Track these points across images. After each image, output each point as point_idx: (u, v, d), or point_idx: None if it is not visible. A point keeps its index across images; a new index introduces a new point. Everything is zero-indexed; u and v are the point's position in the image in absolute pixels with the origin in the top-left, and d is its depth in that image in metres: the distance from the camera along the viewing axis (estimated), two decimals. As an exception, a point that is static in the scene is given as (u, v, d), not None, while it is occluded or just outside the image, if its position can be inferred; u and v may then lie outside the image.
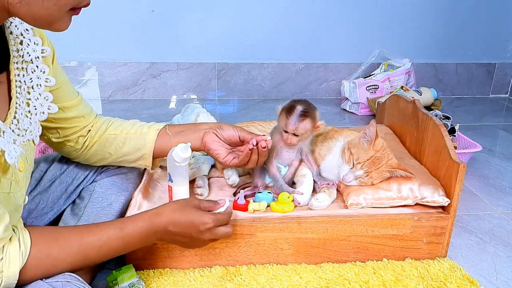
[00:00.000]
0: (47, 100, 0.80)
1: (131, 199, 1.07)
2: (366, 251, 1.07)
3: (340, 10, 2.38)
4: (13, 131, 0.71)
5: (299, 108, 1.05)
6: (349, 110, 2.30)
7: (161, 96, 2.41)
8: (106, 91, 2.36)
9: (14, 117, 0.72)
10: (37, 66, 0.78)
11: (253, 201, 1.07)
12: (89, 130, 1.00)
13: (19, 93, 0.74)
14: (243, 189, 1.13)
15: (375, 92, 2.25)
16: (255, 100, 2.45)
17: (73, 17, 0.65)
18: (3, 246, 0.69)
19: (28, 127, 0.76)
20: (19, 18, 0.63)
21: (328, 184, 1.13)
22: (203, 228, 0.86)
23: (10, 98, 0.73)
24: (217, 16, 2.31)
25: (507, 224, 1.29)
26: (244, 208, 1.06)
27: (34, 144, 0.79)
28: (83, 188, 1.07)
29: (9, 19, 0.72)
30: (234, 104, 2.40)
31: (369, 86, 2.25)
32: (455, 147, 1.59)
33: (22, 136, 0.74)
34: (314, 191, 1.13)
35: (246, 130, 1.05)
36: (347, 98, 2.31)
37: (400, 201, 1.08)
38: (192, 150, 1.05)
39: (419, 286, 0.99)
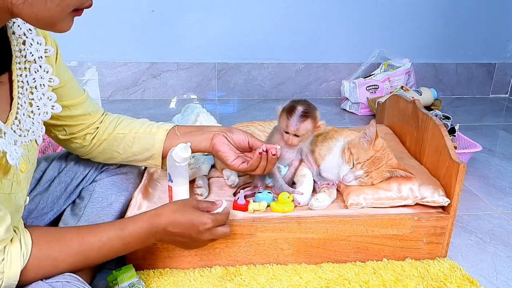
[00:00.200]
0: (50, 100, 0.80)
1: (131, 199, 1.07)
2: (366, 251, 1.07)
3: (340, 10, 2.38)
4: (14, 131, 0.71)
5: (299, 109, 1.05)
6: (349, 110, 2.30)
7: (161, 96, 2.41)
8: (106, 91, 2.36)
9: (16, 118, 0.72)
10: (40, 66, 0.78)
11: (253, 201, 1.07)
12: (97, 128, 1.00)
13: (21, 93, 0.74)
14: (243, 189, 1.13)
15: (375, 92, 2.25)
16: (255, 100, 2.45)
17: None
18: (5, 247, 0.69)
19: (30, 127, 0.76)
20: (22, 19, 0.63)
21: (328, 184, 1.13)
22: (202, 228, 0.86)
23: (12, 99, 0.73)
24: (217, 16, 2.31)
25: (507, 224, 1.29)
26: (244, 208, 1.06)
27: (37, 144, 0.79)
28: (83, 188, 1.07)
29: (11, 19, 0.72)
30: (234, 104, 2.40)
31: (369, 86, 2.25)
32: (455, 147, 1.59)
33: (24, 136, 0.74)
34: (314, 191, 1.13)
35: (256, 137, 1.06)
36: (347, 98, 2.31)
37: (400, 201, 1.08)
38: (200, 151, 1.06)
39: (419, 286, 0.99)
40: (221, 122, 1.57)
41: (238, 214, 1.03)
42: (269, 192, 1.09)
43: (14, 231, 0.72)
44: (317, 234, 1.04)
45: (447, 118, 1.73)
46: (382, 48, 2.39)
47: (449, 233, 1.08)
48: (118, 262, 1.00)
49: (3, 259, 0.69)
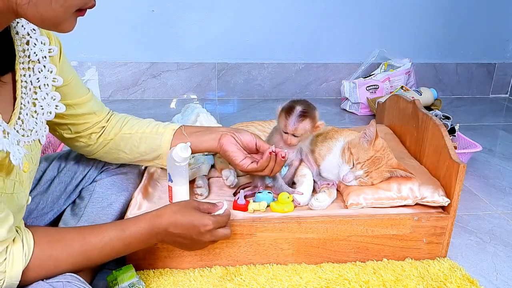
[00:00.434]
0: (54, 99, 0.80)
1: (131, 199, 1.07)
2: (366, 251, 1.07)
3: (340, 10, 2.38)
4: (17, 131, 0.71)
5: (298, 109, 1.05)
6: (349, 110, 2.30)
7: (161, 96, 2.41)
8: (106, 91, 2.36)
9: (19, 118, 0.72)
10: (44, 66, 0.78)
11: (253, 201, 1.07)
12: (103, 127, 1.00)
13: (24, 93, 0.74)
14: (243, 189, 1.13)
15: (375, 92, 2.25)
16: (255, 100, 2.45)
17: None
18: (7, 247, 0.69)
19: (33, 127, 0.76)
20: (26, 19, 0.63)
21: (328, 184, 1.13)
22: (203, 229, 0.86)
23: (15, 99, 0.73)
24: (217, 16, 2.31)
25: (507, 224, 1.29)
26: (244, 208, 1.06)
27: (40, 144, 0.79)
28: (83, 188, 1.07)
29: (15, 19, 0.72)
30: (234, 104, 2.40)
31: (369, 86, 2.25)
32: (455, 147, 1.59)
33: (27, 136, 0.74)
34: (314, 191, 1.13)
35: (262, 140, 1.06)
36: (347, 98, 2.31)
37: (400, 201, 1.08)
38: (207, 151, 1.06)
39: (419, 286, 0.99)
40: (221, 122, 1.57)
41: (238, 214, 1.03)
42: (269, 192, 1.09)
43: (16, 231, 0.72)
44: (317, 234, 1.04)
45: (447, 118, 1.73)
46: (382, 48, 2.39)
47: (449, 233, 1.08)
48: (118, 262, 1.00)
49: (5, 259, 0.69)
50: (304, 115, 1.05)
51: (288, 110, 1.06)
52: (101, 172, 1.08)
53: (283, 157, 1.01)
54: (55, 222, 1.04)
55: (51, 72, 0.79)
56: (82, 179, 1.07)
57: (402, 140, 1.39)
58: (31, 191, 1.01)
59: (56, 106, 0.80)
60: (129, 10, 2.25)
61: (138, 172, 1.15)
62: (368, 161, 1.09)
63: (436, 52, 2.54)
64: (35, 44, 0.76)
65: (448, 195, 1.07)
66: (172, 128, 1.04)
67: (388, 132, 1.46)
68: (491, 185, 1.53)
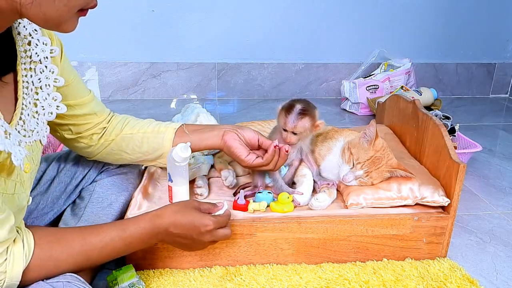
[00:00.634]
0: (55, 100, 0.80)
1: (131, 199, 1.07)
2: (366, 251, 1.07)
3: (340, 10, 2.38)
4: (18, 132, 0.71)
5: (298, 107, 1.06)
6: (349, 110, 2.30)
7: (161, 96, 2.41)
8: (106, 91, 2.36)
9: (20, 118, 0.72)
10: (45, 67, 0.78)
11: (253, 201, 1.07)
12: (104, 128, 1.00)
13: (26, 93, 0.74)
14: (243, 189, 1.13)
15: (375, 92, 2.25)
16: (255, 100, 2.45)
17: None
18: (7, 248, 0.69)
19: (35, 128, 0.76)
20: (29, 19, 0.63)
21: (328, 184, 1.13)
22: (203, 229, 0.86)
23: (16, 99, 0.73)
24: (217, 16, 2.31)
25: (507, 224, 1.29)
26: (244, 208, 1.06)
27: (41, 144, 0.79)
28: (83, 188, 1.07)
29: (17, 20, 0.72)
30: (234, 104, 2.40)
31: (369, 86, 2.25)
32: (455, 147, 1.59)
33: (29, 137, 0.74)
34: (314, 191, 1.13)
35: (264, 136, 1.06)
36: (347, 98, 2.31)
37: (400, 201, 1.08)
38: (211, 148, 1.06)
39: (419, 286, 0.99)
40: (221, 122, 1.57)
41: (238, 214, 1.03)
42: (269, 192, 1.09)
43: (17, 231, 0.72)
44: (317, 234, 1.04)
45: (447, 118, 1.73)
46: (382, 48, 2.39)
47: (449, 233, 1.08)
48: (118, 262, 1.00)
49: (5, 259, 0.68)
50: (303, 113, 1.05)
51: (288, 108, 1.07)
52: (101, 172, 1.08)
53: (286, 151, 1.02)
54: (55, 222, 1.04)
55: (53, 72, 0.79)
56: (82, 179, 1.07)
57: (402, 140, 1.39)
58: (31, 191, 1.01)
59: (57, 106, 0.80)
60: (129, 10, 2.25)
61: (138, 172, 1.15)
62: (368, 161, 1.09)
63: (436, 52, 2.54)
64: (37, 45, 0.76)
65: (448, 195, 1.07)
66: (174, 127, 1.04)
67: (388, 132, 1.46)
68: (491, 185, 1.53)
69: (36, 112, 0.77)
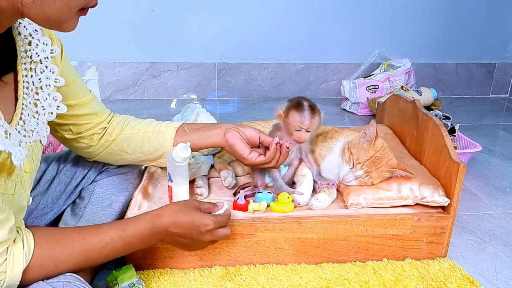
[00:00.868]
0: (56, 100, 0.80)
1: (131, 199, 1.07)
2: (366, 251, 1.07)
3: (340, 10, 2.38)
4: (19, 132, 0.71)
5: (307, 104, 1.06)
6: (349, 110, 2.30)
7: (161, 96, 2.41)
8: (106, 91, 2.36)
9: (20, 118, 0.72)
10: (46, 67, 0.78)
11: (253, 201, 1.07)
12: (105, 128, 1.00)
13: (26, 93, 0.74)
14: (243, 189, 1.13)
15: (375, 92, 2.25)
16: (255, 100, 2.45)
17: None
18: (7, 247, 0.69)
19: (35, 128, 0.76)
20: (30, 19, 0.63)
21: (328, 184, 1.13)
22: (204, 229, 0.86)
23: (17, 99, 0.73)
24: (217, 16, 2.31)
25: (507, 224, 1.29)
26: (244, 208, 1.06)
27: (42, 144, 0.79)
28: (83, 188, 1.07)
29: (18, 20, 0.72)
30: (234, 104, 2.40)
31: (369, 86, 2.25)
32: (455, 147, 1.59)
33: (29, 137, 0.74)
34: (314, 191, 1.13)
35: (265, 133, 1.06)
36: (347, 98, 2.31)
37: (400, 201, 1.08)
38: (213, 146, 1.06)
39: (419, 286, 0.99)
40: (221, 122, 1.57)
41: (238, 214, 1.03)
42: (269, 192, 1.09)
43: (17, 231, 0.72)
44: (317, 234, 1.04)
45: (447, 118, 1.73)
46: (382, 48, 2.39)
47: (449, 233, 1.08)
48: (118, 262, 1.00)
49: (5, 259, 0.68)
50: (314, 108, 1.06)
51: (298, 107, 1.06)
52: (101, 172, 1.08)
53: (287, 148, 1.02)
54: (55, 222, 1.04)
55: (53, 72, 0.79)
56: (82, 179, 1.07)
57: (402, 140, 1.39)
58: (31, 191, 1.01)
59: (58, 106, 0.80)
60: (129, 10, 2.25)
61: (138, 172, 1.15)
62: (368, 161, 1.09)
63: (436, 52, 2.54)
64: (37, 45, 0.76)
65: (448, 195, 1.07)
66: (174, 126, 1.04)
67: (388, 132, 1.46)
68: (491, 185, 1.53)
69: (36, 112, 0.77)
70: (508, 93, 2.69)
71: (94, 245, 0.79)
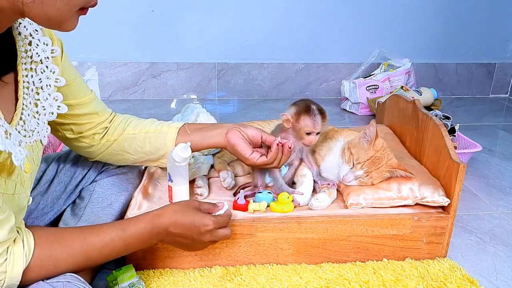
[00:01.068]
0: (56, 100, 0.80)
1: (131, 199, 1.07)
2: (366, 251, 1.07)
3: (340, 10, 2.38)
4: (19, 132, 0.71)
5: (316, 107, 1.06)
6: (349, 110, 2.30)
7: (161, 96, 2.41)
8: (106, 91, 2.36)
9: (20, 118, 0.72)
10: (46, 67, 0.77)
11: (253, 201, 1.07)
12: (106, 127, 1.00)
13: (26, 93, 0.74)
14: (243, 189, 1.13)
15: (375, 92, 2.25)
16: (255, 100, 2.45)
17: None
18: (8, 248, 0.69)
19: (35, 128, 0.76)
20: (30, 18, 0.63)
21: (328, 184, 1.13)
22: (204, 229, 0.86)
23: (17, 99, 0.73)
24: (217, 16, 2.31)
25: (507, 224, 1.29)
26: (244, 208, 1.06)
27: (42, 145, 0.79)
28: (83, 188, 1.07)
29: (18, 19, 0.72)
30: (234, 104, 2.40)
31: (369, 86, 2.25)
32: (455, 147, 1.59)
33: (29, 137, 0.74)
34: (314, 191, 1.13)
35: (267, 133, 1.06)
36: (347, 98, 2.31)
37: (400, 201, 1.08)
38: (214, 146, 1.06)
39: (419, 286, 0.99)
40: (221, 122, 1.57)
41: (238, 214, 1.03)
42: (269, 192, 1.09)
43: (17, 231, 0.72)
44: (317, 234, 1.04)
45: (447, 118, 1.73)
46: (382, 48, 2.39)
47: (449, 233, 1.08)
48: (118, 262, 1.00)
49: (5, 260, 0.68)
50: (323, 111, 1.07)
51: (309, 111, 1.06)
52: (100, 172, 1.08)
53: (289, 148, 1.02)
54: (55, 222, 1.04)
55: (54, 72, 0.79)
56: (82, 179, 1.06)
57: (402, 140, 1.39)
58: (31, 191, 1.01)
59: (58, 106, 0.80)
60: (129, 10, 2.25)
61: (138, 172, 1.15)
62: (368, 161, 1.09)
63: (436, 52, 2.55)
64: (38, 45, 0.76)
65: (448, 195, 1.07)
66: (176, 126, 1.04)
67: (388, 132, 1.46)
68: (491, 185, 1.53)
69: (37, 112, 0.77)
70: (508, 93, 2.69)
71: (94, 245, 0.79)
